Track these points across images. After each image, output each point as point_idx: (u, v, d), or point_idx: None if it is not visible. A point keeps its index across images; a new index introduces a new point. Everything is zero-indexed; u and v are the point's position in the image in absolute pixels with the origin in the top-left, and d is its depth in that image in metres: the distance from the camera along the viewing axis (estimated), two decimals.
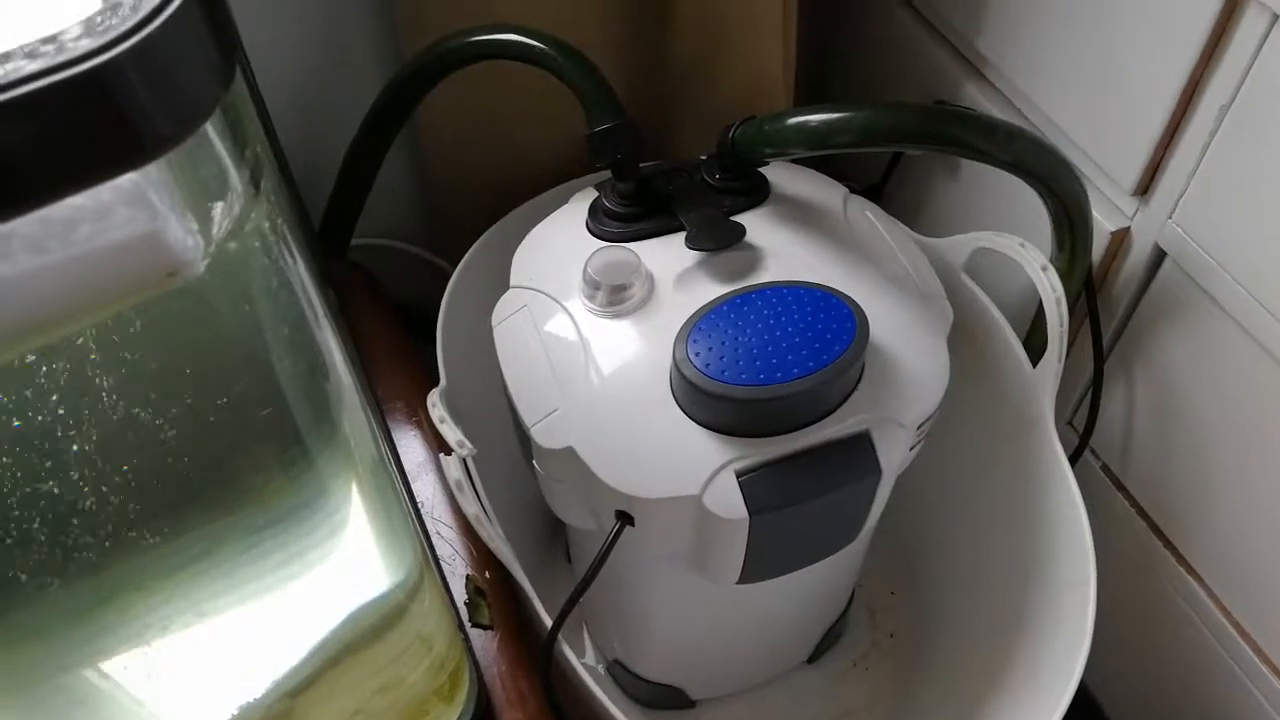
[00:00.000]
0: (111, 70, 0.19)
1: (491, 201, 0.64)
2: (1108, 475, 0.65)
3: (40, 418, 0.28)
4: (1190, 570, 0.61)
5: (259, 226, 0.27)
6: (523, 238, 0.57)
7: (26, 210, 0.20)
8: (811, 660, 0.75)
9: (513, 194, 0.64)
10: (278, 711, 0.41)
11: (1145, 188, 0.55)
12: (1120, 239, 0.58)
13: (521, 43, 0.56)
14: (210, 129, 0.23)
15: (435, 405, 0.53)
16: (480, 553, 0.55)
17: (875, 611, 0.78)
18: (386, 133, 0.64)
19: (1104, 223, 0.57)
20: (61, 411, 0.28)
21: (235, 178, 0.25)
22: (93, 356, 0.26)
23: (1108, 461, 0.65)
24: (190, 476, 0.41)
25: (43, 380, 0.26)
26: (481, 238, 0.63)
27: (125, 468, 0.40)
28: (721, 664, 0.70)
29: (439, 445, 0.55)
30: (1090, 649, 0.52)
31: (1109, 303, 0.60)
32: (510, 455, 0.55)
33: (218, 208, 0.25)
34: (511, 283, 0.55)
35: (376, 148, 0.64)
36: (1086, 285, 0.59)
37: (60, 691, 0.40)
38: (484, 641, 0.52)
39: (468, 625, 0.52)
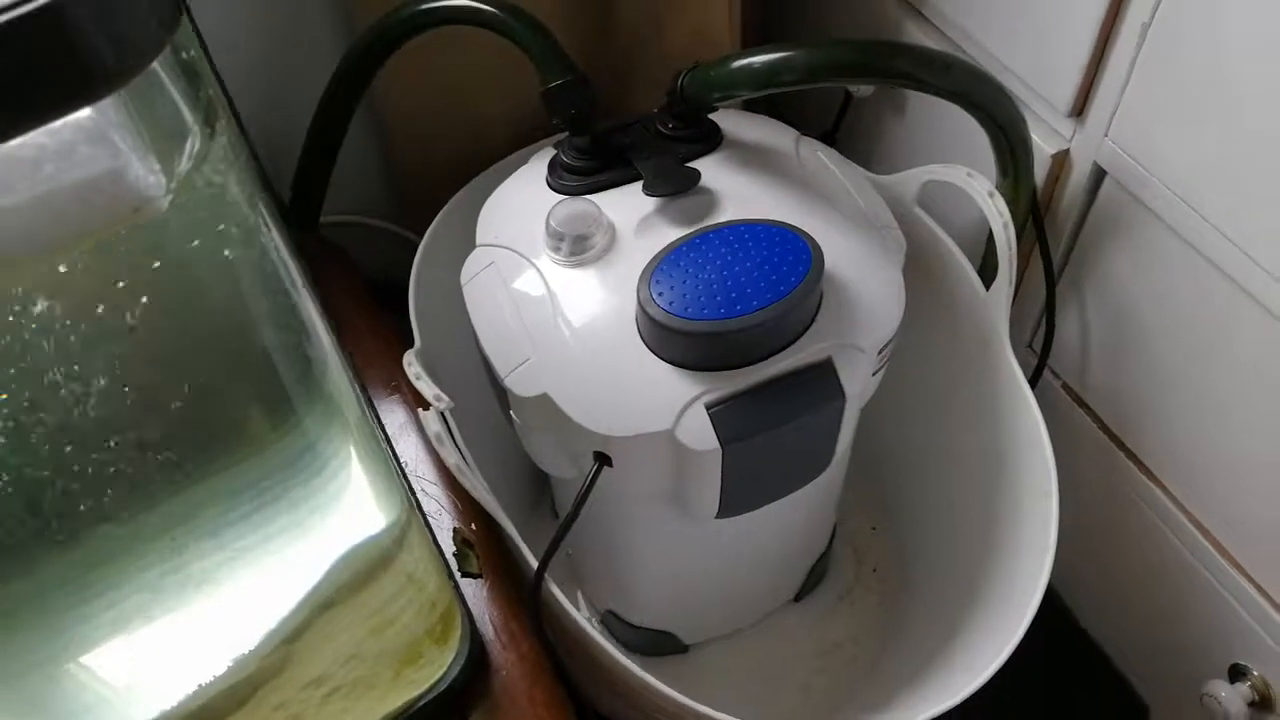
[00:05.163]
0: (62, 6, 0.20)
1: (456, 172, 0.65)
2: (1068, 393, 0.67)
3: (23, 369, 0.29)
4: (1152, 477, 0.63)
5: (218, 173, 0.29)
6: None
7: None
8: (798, 598, 0.77)
9: (476, 164, 0.66)
10: (275, 659, 0.42)
11: (1080, 109, 0.57)
12: (1061, 161, 0.59)
13: (472, 7, 0.57)
14: (160, 70, 0.24)
15: (411, 364, 0.54)
16: (465, 506, 0.57)
17: (858, 547, 0.80)
18: (347, 102, 0.65)
19: (1044, 146, 0.59)
20: (50, 370, 0.29)
21: (190, 119, 0.26)
22: (86, 325, 0.27)
23: (1067, 380, 0.67)
24: (181, 435, 0.41)
25: (26, 335, 0.28)
26: (448, 204, 0.65)
27: (112, 434, 0.41)
28: (710, 606, 0.72)
29: (418, 403, 0.56)
30: (1060, 559, 0.54)
31: (1056, 224, 0.62)
32: (491, 420, 0.57)
33: (176, 148, 0.26)
34: (478, 241, 0.56)
35: (338, 117, 0.66)
36: (1033, 209, 0.60)
37: (50, 663, 0.39)
38: (474, 590, 0.53)
39: (458, 576, 0.53)
